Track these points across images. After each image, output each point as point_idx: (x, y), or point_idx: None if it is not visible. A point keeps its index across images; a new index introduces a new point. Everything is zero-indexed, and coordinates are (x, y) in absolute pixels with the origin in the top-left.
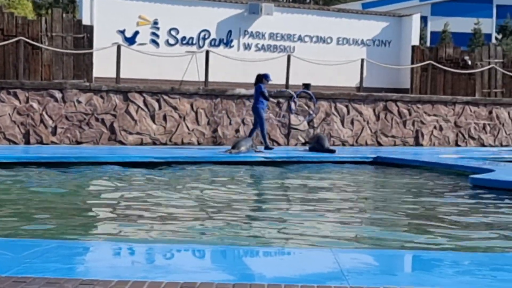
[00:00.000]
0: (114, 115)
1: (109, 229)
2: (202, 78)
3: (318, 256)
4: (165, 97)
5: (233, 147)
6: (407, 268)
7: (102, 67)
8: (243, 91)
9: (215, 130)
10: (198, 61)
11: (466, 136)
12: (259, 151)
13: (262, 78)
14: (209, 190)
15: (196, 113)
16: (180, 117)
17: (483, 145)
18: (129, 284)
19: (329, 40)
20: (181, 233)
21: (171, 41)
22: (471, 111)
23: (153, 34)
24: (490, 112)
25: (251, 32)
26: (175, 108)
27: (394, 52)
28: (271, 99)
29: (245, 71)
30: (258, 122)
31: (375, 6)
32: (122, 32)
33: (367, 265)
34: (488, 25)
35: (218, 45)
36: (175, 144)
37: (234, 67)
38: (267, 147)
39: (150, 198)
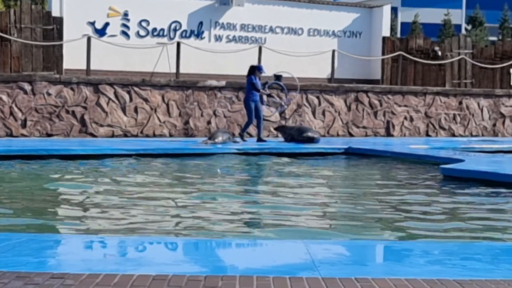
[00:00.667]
0: (85, 107)
1: (80, 222)
2: (173, 70)
3: (290, 247)
4: (136, 89)
5: (209, 138)
6: (379, 258)
7: (72, 59)
8: (214, 82)
9: (186, 122)
10: (169, 53)
11: (437, 127)
12: (237, 142)
13: (254, 70)
14: (178, 182)
15: (167, 105)
16: (151, 109)
17: (453, 135)
18: (101, 277)
19: (300, 32)
20: (153, 226)
21: (142, 32)
22: (441, 101)
23: (124, 25)
24: (460, 103)
25: (222, 23)
26: (146, 100)
27: (365, 43)
28: (265, 90)
29: (216, 63)
30: (247, 114)
31: None
32: (92, 23)
33: (339, 256)
34: (457, 16)
35: (189, 36)
36: (147, 136)
37: (205, 59)
38: (242, 138)
39: (121, 191)
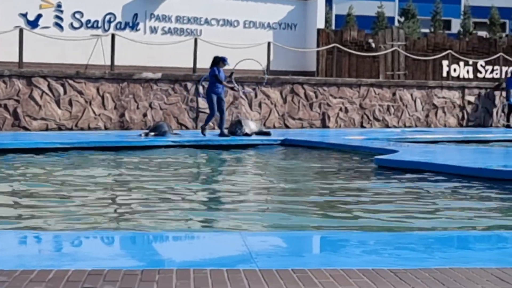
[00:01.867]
0: (18, 101)
1: (13, 218)
2: (108, 62)
3: (226, 239)
4: (70, 81)
5: (151, 130)
6: (315, 249)
7: (4, 51)
8: (150, 74)
9: (122, 115)
10: (104, 45)
11: (371, 118)
12: (176, 134)
13: (218, 61)
14: (114, 175)
15: (102, 97)
16: (86, 101)
17: (387, 126)
18: (35, 273)
19: (235, 24)
20: (89, 221)
21: (76, 24)
22: (375, 93)
23: (57, 17)
24: (394, 94)
25: (157, 15)
26: (80, 93)
27: (300, 35)
28: (231, 82)
29: (152, 55)
30: (209, 107)
31: None
32: (24, 15)
33: (276, 247)
34: (391, 8)
35: (124, 28)
36: (81, 129)
37: (140, 51)
38: (222, 134)
39: (56, 185)
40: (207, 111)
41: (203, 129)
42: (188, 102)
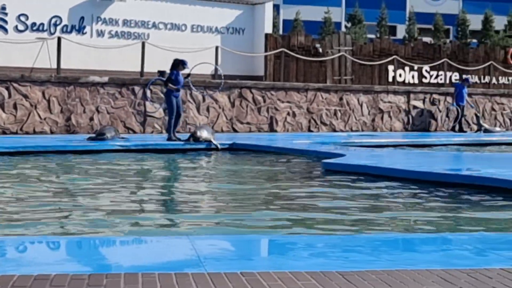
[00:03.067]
0: None
1: None
2: (54, 66)
3: (175, 243)
4: (15, 85)
5: (98, 134)
6: (264, 252)
7: None
8: (97, 78)
9: (68, 119)
10: (50, 48)
11: (318, 122)
12: (124, 138)
13: (178, 64)
14: (61, 180)
15: (48, 101)
16: (31, 105)
17: (334, 130)
18: None
19: (183, 28)
20: (34, 225)
21: (21, 27)
22: (322, 97)
23: (1, 19)
24: (341, 99)
25: (104, 18)
26: (25, 96)
27: (248, 39)
28: (189, 83)
29: (99, 58)
30: (168, 110)
31: None
32: None
33: (224, 251)
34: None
35: (70, 31)
36: (27, 133)
37: (87, 54)
38: (170, 139)
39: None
40: (155, 115)
41: (169, 138)
42: (136, 106)
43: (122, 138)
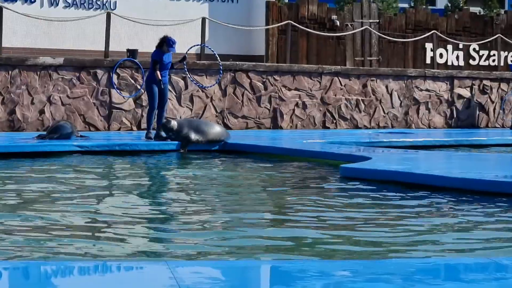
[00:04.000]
0: None
1: None
2: None
3: (150, 270)
4: None
5: (49, 132)
6: (263, 282)
7: None
8: (49, 60)
9: (12, 112)
10: None
11: (336, 116)
12: (84, 137)
13: (162, 43)
14: (4, 191)
15: None
16: None
17: (356, 127)
18: None
19: None
20: None
21: None
22: (341, 84)
23: None
24: (365, 86)
25: None
26: None
27: (244, 9)
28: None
29: (52, 34)
30: (148, 100)
31: None
32: None
33: (211, 280)
34: None
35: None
36: None
37: (36, 29)
38: (147, 136)
39: None
40: (124, 107)
41: (147, 134)
42: (99, 96)
43: (81, 136)
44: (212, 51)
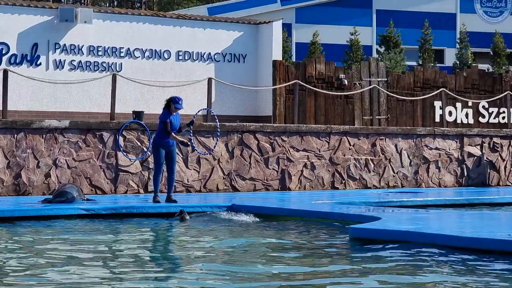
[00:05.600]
0: None
1: None
2: None
3: None
4: None
5: (55, 196)
6: None
7: None
8: (54, 122)
9: (18, 176)
10: None
11: (345, 176)
12: (90, 200)
13: (168, 103)
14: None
15: None
16: None
17: (366, 186)
18: None
19: (166, 55)
20: None
21: None
22: (350, 144)
23: None
24: (374, 145)
25: (64, 45)
26: None
27: (251, 69)
28: (188, 132)
29: (57, 97)
30: (154, 163)
31: (225, 12)
32: None
33: None
34: (367, 35)
35: (20, 62)
36: None
37: (42, 92)
38: (155, 199)
39: None
40: (130, 169)
41: (155, 198)
42: (105, 158)
43: (88, 200)
44: (213, 114)
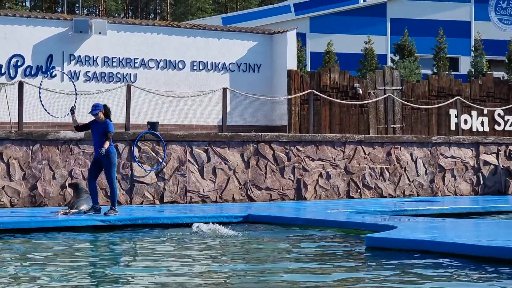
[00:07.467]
0: None
1: None
2: (15, 119)
3: None
4: None
5: (71, 207)
6: None
7: None
8: (70, 134)
9: (33, 187)
10: (9, 96)
11: (360, 185)
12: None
13: (108, 111)
14: (24, 268)
15: (7, 165)
16: None
17: (381, 195)
18: None
19: (180, 65)
20: None
21: None
22: (365, 153)
23: None
24: (389, 154)
25: (79, 56)
26: None
27: (266, 79)
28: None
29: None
30: (111, 174)
31: (240, 21)
32: None
33: None
34: (381, 44)
35: (35, 74)
36: None
37: (57, 103)
38: (114, 209)
39: None
40: (146, 180)
41: (111, 208)
42: (120, 169)
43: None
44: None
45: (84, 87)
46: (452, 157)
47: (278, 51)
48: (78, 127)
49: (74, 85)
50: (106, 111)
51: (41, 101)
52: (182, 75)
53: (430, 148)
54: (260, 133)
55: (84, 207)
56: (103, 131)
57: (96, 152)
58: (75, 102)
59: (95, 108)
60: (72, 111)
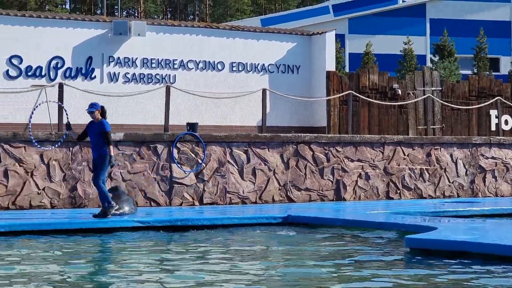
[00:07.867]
0: None
1: None
2: (55, 120)
3: None
4: (6, 146)
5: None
6: None
7: None
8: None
9: (73, 188)
10: (50, 98)
11: (400, 186)
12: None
13: (105, 112)
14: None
15: (48, 166)
16: (26, 172)
17: (421, 196)
18: None
19: (219, 66)
20: None
21: (13, 72)
22: (404, 153)
23: None
24: (429, 155)
25: (118, 58)
26: (19, 161)
27: (305, 80)
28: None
29: (111, 109)
30: (100, 174)
31: (278, 23)
32: None
33: None
34: (421, 44)
35: (75, 76)
36: (21, 207)
37: None
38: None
39: None
40: (185, 181)
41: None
42: (159, 171)
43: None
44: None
45: (123, 88)
46: (492, 158)
47: (316, 52)
48: (79, 137)
49: (61, 104)
50: (103, 111)
51: (33, 109)
52: (221, 76)
53: (470, 149)
54: (299, 134)
55: (126, 209)
56: (100, 131)
57: (94, 155)
58: (67, 118)
59: (92, 106)
60: (67, 128)
